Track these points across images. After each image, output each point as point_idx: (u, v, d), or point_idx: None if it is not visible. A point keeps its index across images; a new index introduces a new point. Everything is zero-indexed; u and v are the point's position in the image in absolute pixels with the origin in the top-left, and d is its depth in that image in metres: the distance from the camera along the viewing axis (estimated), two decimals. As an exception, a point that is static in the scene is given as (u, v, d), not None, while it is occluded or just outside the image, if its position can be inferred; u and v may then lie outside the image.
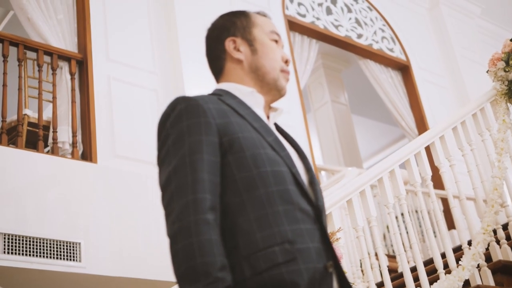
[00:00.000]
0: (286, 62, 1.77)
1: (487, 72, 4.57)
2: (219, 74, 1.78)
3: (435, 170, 4.34)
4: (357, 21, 8.18)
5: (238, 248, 1.46)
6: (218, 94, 1.68)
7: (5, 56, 5.16)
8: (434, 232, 5.99)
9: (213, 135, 1.53)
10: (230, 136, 1.53)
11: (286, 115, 6.73)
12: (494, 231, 3.99)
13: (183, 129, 1.54)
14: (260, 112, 1.69)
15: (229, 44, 1.76)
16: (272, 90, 1.74)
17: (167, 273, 5.02)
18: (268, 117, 1.75)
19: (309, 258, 1.46)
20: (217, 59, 1.79)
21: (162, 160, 1.57)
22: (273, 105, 1.78)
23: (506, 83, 4.47)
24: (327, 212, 3.82)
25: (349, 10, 8.17)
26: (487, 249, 3.85)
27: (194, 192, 1.45)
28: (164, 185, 1.52)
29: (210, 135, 1.52)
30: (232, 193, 1.50)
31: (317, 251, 1.49)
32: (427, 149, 4.16)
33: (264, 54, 1.74)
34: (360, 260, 4.46)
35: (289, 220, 1.48)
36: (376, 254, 4.60)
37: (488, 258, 3.88)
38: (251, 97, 1.70)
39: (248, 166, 1.51)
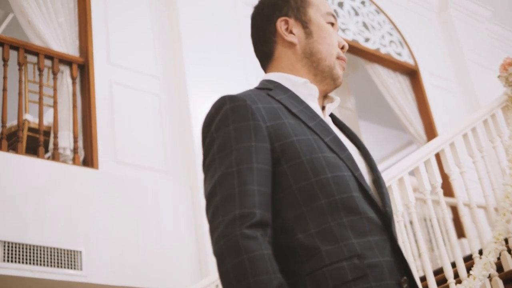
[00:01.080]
0: (343, 48, 1.63)
1: (498, 77, 4.57)
2: (267, 60, 1.63)
3: (445, 177, 4.34)
4: (365, 25, 8.19)
5: (300, 265, 1.34)
6: (267, 88, 1.54)
7: (5, 60, 5.18)
8: (444, 241, 5.98)
9: (264, 141, 1.39)
10: (283, 140, 1.40)
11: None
12: (506, 240, 3.98)
13: (230, 134, 1.39)
14: (315, 104, 1.55)
15: (281, 25, 1.59)
16: (327, 79, 1.59)
17: (169, 281, 5.02)
18: (323, 109, 1.61)
19: (381, 275, 1.34)
20: (266, 42, 1.62)
21: (207, 169, 1.42)
22: (330, 94, 1.63)
23: (518, 88, 4.47)
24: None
25: (356, 13, 8.19)
26: (498, 258, 3.85)
27: (241, 206, 1.31)
28: (209, 197, 1.38)
29: (260, 141, 1.39)
30: (290, 206, 1.37)
31: (389, 266, 1.37)
32: (437, 156, 4.16)
33: (320, 38, 1.58)
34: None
35: (356, 231, 1.35)
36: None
37: (499, 267, 3.87)
38: (304, 88, 1.54)
39: (306, 173, 1.38)
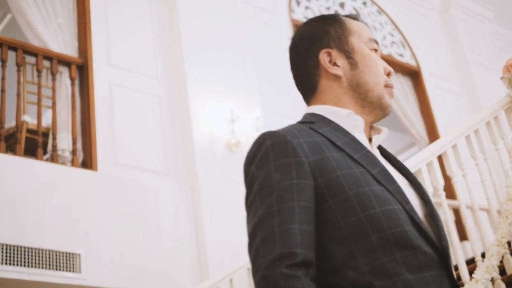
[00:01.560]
0: (389, 74, 1.55)
1: (501, 78, 4.56)
2: (311, 93, 1.55)
3: (447, 179, 4.34)
4: (366, 26, 8.19)
5: None
6: (310, 121, 1.48)
7: (3, 61, 5.19)
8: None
9: (306, 177, 1.33)
10: (327, 176, 1.34)
11: (293, 122, 6.73)
12: (509, 243, 3.98)
13: (271, 172, 1.34)
14: (361, 136, 1.49)
15: (323, 58, 1.52)
16: (376, 109, 1.52)
17: (169, 283, 5.02)
18: (370, 140, 1.54)
19: None
20: (308, 76, 1.54)
21: (248, 208, 1.37)
22: (376, 125, 1.57)
23: (521, 90, 4.47)
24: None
25: (358, 14, 8.18)
26: (501, 261, 3.85)
27: (282, 247, 1.26)
28: (250, 238, 1.33)
29: (302, 178, 1.33)
30: (338, 244, 1.31)
31: None
32: (439, 158, 4.16)
33: (366, 68, 1.51)
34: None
35: (411, 267, 1.29)
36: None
37: (502, 271, 3.87)
38: (348, 119, 1.48)
39: (354, 209, 1.31)
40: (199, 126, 5.82)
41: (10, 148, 5.15)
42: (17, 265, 4.40)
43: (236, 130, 5.93)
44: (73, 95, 5.40)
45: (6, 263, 4.35)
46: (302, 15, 7.56)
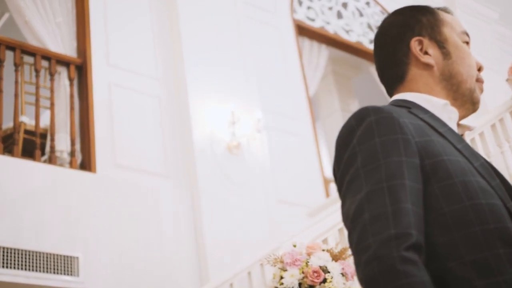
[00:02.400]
0: (480, 69, 1.54)
1: (506, 80, 4.57)
2: (398, 82, 1.52)
3: (451, 183, 4.33)
4: (369, 26, 8.20)
5: None
6: (405, 106, 1.44)
7: (1, 61, 5.19)
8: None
9: (414, 156, 1.29)
10: (434, 158, 1.30)
11: (294, 123, 6.74)
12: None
13: (376, 147, 1.29)
14: (455, 130, 1.46)
15: (415, 45, 1.50)
16: (467, 103, 1.50)
17: (168, 287, 5.02)
18: None
19: None
20: (397, 64, 1.51)
21: (348, 185, 1.30)
22: (463, 122, 1.53)
23: (527, 92, 4.47)
24: (338, 226, 3.83)
25: (361, 15, 8.19)
26: None
27: (396, 226, 1.20)
28: (354, 216, 1.25)
29: (410, 156, 1.28)
30: (439, 231, 1.27)
31: None
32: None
33: (460, 59, 1.50)
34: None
35: None
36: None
37: None
38: (444, 111, 1.45)
39: (459, 196, 1.28)
40: (199, 127, 5.82)
41: (8, 149, 5.15)
42: (14, 268, 4.40)
43: (236, 132, 5.93)
44: (71, 96, 5.40)
45: (3, 266, 4.35)
46: (304, 15, 7.56)
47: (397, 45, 1.51)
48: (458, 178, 1.29)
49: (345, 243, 3.59)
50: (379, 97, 9.05)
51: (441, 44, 1.50)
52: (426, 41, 1.50)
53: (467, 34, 1.55)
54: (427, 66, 1.49)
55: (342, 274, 3.23)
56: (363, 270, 1.20)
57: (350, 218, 1.26)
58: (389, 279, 1.16)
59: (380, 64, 1.56)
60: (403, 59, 1.50)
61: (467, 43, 1.54)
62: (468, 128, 1.52)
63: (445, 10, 1.57)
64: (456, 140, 1.38)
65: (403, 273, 1.16)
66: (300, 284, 3.20)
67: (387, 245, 1.18)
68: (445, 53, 1.49)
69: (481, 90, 1.53)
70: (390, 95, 1.55)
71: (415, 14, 1.53)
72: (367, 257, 1.19)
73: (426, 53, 1.49)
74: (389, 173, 1.26)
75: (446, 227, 1.27)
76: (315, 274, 3.18)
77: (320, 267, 3.22)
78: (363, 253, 1.21)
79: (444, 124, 1.41)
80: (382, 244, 1.19)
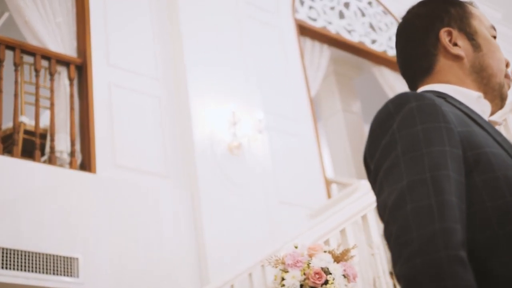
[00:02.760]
0: (507, 65, 1.50)
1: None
2: (425, 74, 1.47)
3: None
4: (371, 26, 8.20)
5: None
6: (439, 96, 1.36)
7: (0, 61, 5.19)
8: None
9: (457, 146, 1.23)
10: (476, 150, 1.24)
11: (295, 124, 6.74)
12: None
13: (418, 135, 1.22)
14: None
15: (444, 36, 1.45)
16: (496, 99, 1.46)
17: (169, 290, 5.03)
18: None
19: None
20: (425, 55, 1.46)
21: (386, 172, 1.23)
22: (492, 118, 1.47)
23: (530, 93, 4.47)
24: (339, 228, 3.84)
25: (363, 14, 8.20)
26: None
27: (442, 220, 1.13)
28: (394, 206, 1.18)
29: (454, 146, 1.22)
30: (480, 226, 1.20)
31: None
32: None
33: (490, 52, 1.46)
34: (374, 279, 4.45)
35: None
36: (391, 273, 4.59)
37: None
38: (477, 104, 1.40)
39: (501, 191, 1.21)
40: (199, 128, 5.83)
41: (7, 149, 5.16)
42: (14, 269, 4.40)
43: (237, 132, 5.94)
44: (71, 96, 5.41)
45: (2, 267, 4.35)
46: (306, 15, 7.57)
47: (425, 35, 1.47)
48: (501, 172, 1.23)
49: (347, 244, 3.60)
50: (381, 97, 9.05)
51: (470, 36, 1.47)
52: (455, 33, 1.46)
53: (495, 29, 1.52)
54: (457, 58, 1.44)
55: (344, 276, 3.24)
56: (403, 266, 1.13)
57: (389, 209, 1.18)
58: (434, 278, 1.09)
59: (404, 56, 1.52)
60: (431, 50, 1.46)
61: (495, 37, 1.51)
62: (496, 123, 1.46)
63: (471, 3, 1.54)
64: (495, 133, 1.32)
65: (449, 273, 1.10)
66: (301, 285, 3.21)
67: (432, 241, 1.11)
68: (475, 45, 1.46)
69: (509, 87, 1.49)
70: (414, 88, 1.51)
71: (444, 5, 1.49)
72: (409, 252, 1.12)
73: (455, 44, 1.45)
74: (433, 163, 1.19)
75: (488, 222, 1.20)
76: (317, 276, 3.19)
77: (322, 268, 3.22)
78: (404, 247, 1.13)
79: (479, 117, 1.35)
80: (427, 239, 1.12)
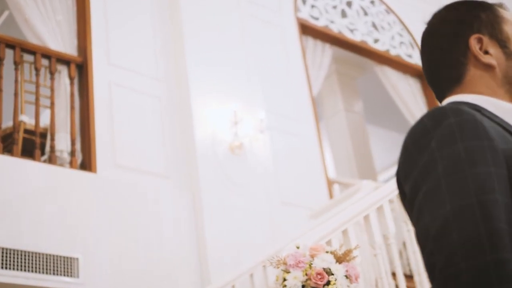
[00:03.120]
0: None
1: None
2: (453, 84, 1.38)
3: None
4: (374, 25, 8.20)
5: None
6: (475, 109, 1.27)
7: (0, 59, 5.20)
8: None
9: (502, 166, 1.14)
10: None
11: (297, 124, 6.75)
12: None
13: (460, 154, 1.13)
14: None
15: (474, 44, 1.36)
16: None
17: (170, 291, 5.03)
18: None
19: None
20: (454, 64, 1.38)
21: (426, 195, 1.14)
22: None
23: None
24: (341, 228, 3.84)
25: (365, 13, 8.20)
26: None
27: (493, 250, 1.05)
28: (438, 235, 1.10)
29: (499, 166, 1.13)
30: None
31: None
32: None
33: None
34: (376, 280, 4.45)
35: None
36: (392, 274, 4.59)
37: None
38: (511, 117, 1.29)
39: None
40: (200, 127, 5.83)
41: (7, 149, 5.16)
42: (14, 269, 4.41)
43: (239, 132, 5.94)
44: (72, 95, 5.42)
45: (2, 267, 4.36)
46: (308, 14, 7.57)
47: (453, 43, 1.38)
48: None
49: (349, 245, 3.60)
50: (383, 96, 9.06)
51: (502, 43, 1.37)
52: (486, 40, 1.36)
53: None
54: (488, 67, 1.35)
55: (346, 276, 3.24)
56: None
57: (432, 237, 1.10)
58: None
59: (430, 64, 1.43)
60: (460, 59, 1.37)
61: None
62: None
63: (501, 6, 1.44)
64: None
65: None
66: (303, 286, 3.21)
67: (484, 274, 1.04)
68: (508, 53, 1.36)
69: None
70: (441, 97, 1.41)
71: (473, 10, 1.40)
72: (458, 286, 1.06)
73: (486, 52, 1.36)
74: (478, 185, 1.10)
75: None
76: (319, 276, 3.19)
77: (324, 269, 3.22)
78: (452, 280, 1.06)
79: None
80: (478, 272, 1.05)
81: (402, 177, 1.22)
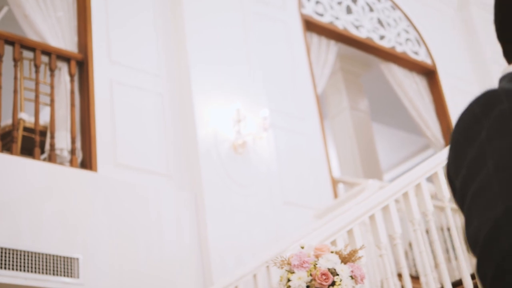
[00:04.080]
0: None
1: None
2: None
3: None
4: (380, 22, 8.20)
5: None
6: None
7: None
8: (463, 251, 5.97)
9: None
10: None
11: (301, 122, 6.75)
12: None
13: None
14: None
15: None
16: None
17: (172, 292, 5.03)
18: None
19: None
20: None
21: (474, 197, 1.02)
22: None
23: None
24: (346, 228, 3.84)
25: (371, 10, 8.20)
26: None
27: None
28: (487, 242, 0.99)
29: None
30: None
31: None
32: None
33: None
34: (382, 281, 4.46)
35: None
36: (398, 275, 4.60)
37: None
38: None
39: None
40: (203, 126, 5.84)
41: (6, 147, 5.17)
42: (13, 269, 4.42)
43: (242, 131, 5.94)
44: (72, 92, 5.42)
45: (1, 267, 4.37)
46: (312, 10, 7.57)
47: None
48: None
49: (354, 245, 3.60)
50: (389, 94, 9.06)
51: None
52: None
53: None
54: None
55: (351, 277, 3.24)
56: None
57: (481, 244, 0.99)
58: None
59: (506, 29, 1.29)
60: None
61: None
62: None
63: None
64: None
65: None
66: (308, 286, 3.21)
67: None
68: None
69: None
70: (510, 54, 1.26)
71: None
72: None
73: None
74: None
75: None
76: (324, 277, 3.19)
77: (329, 269, 3.23)
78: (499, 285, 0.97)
79: None
80: None
81: (452, 173, 1.10)
